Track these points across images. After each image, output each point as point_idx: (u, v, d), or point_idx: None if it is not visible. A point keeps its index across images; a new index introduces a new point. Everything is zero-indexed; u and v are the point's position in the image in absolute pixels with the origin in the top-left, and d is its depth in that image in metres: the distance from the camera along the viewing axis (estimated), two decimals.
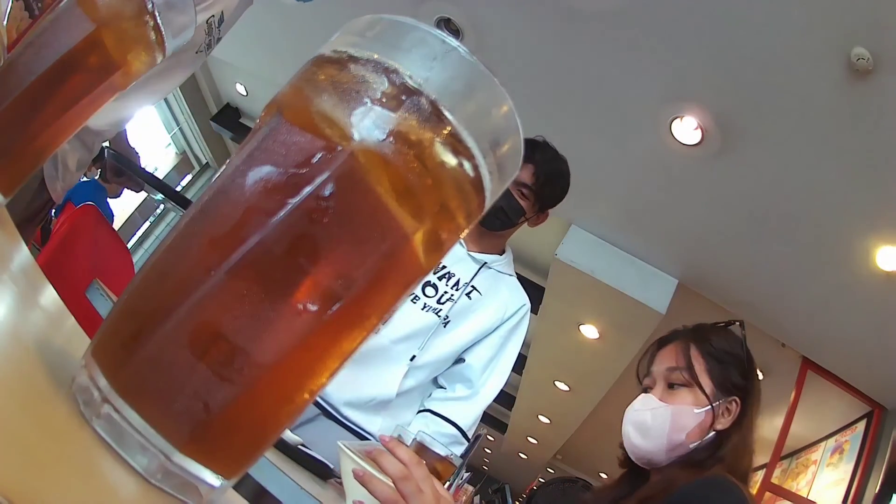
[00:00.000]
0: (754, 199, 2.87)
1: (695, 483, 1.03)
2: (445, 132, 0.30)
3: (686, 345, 1.19)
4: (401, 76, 0.30)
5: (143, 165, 4.00)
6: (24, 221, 1.28)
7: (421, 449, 1.59)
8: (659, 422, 1.13)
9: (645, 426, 1.15)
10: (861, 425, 3.57)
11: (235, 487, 0.32)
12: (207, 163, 6.02)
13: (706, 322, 1.26)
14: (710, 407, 1.12)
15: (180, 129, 5.61)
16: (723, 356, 1.17)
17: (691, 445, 1.12)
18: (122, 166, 3.65)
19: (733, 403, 1.14)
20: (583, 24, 2.60)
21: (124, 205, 5.06)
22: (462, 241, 1.50)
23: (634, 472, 1.21)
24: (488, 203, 0.33)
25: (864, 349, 3.24)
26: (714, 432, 1.12)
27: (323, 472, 1.13)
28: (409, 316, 1.61)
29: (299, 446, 1.12)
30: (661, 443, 1.12)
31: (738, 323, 1.25)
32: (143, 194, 5.32)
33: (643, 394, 1.20)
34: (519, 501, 5.18)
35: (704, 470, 1.08)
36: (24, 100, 0.45)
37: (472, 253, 1.73)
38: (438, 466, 1.57)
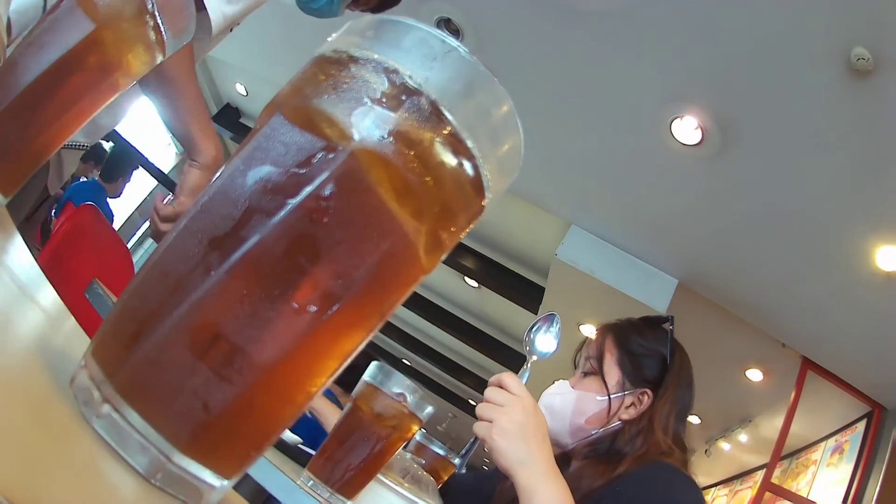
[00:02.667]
0: (754, 199, 2.87)
1: (638, 470, 1.05)
2: (445, 132, 0.30)
3: (604, 336, 1.25)
4: (401, 76, 0.30)
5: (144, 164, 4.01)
6: (25, 220, 1.29)
7: (420, 448, 1.59)
8: (563, 406, 1.19)
9: (553, 408, 1.21)
10: (861, 425, 3.57)
11: (235, 487, 0.32)
12: None
13: (637, 318, 1.32)
14: (607, 397, 1.17)
15: None
16: (638, 349, 1.21)
17: (592, 431, 1.17)
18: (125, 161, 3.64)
19: (644, 396, 1.18)
20: (583, 24, 2.60)
21: (124, 205, 5.06)
22: None
23: (561, 460, 1.24)
24: (489, 203, 0.33)
25: (864, 349, 3.24)
26: (619, 422, 1.16)
27: None
28: None
29: (299, 446, 1.12)
30: (564, 425, 1.18)
31: (667, 317, 1.30)
32: (144, 193, 5.32)
33: (560, 380, 1.27)
34: None
35: (614, 465, 1.09)
36: (24, 100, 0.45)
37: None
38: (438, 466, 1.58)
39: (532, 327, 1.19)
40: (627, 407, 1.17)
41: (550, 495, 0.90)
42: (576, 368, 1.29)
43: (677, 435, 1.16)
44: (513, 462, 0.92)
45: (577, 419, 1.17)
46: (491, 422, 0.95)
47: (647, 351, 1.22)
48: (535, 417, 0.95)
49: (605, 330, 1.28)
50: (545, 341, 1.18)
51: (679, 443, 1.14)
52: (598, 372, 1.20)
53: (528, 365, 1.13)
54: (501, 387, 0.99)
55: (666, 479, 1.02)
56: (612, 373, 1.20)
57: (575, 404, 1.18)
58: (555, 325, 1.19)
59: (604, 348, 1.23)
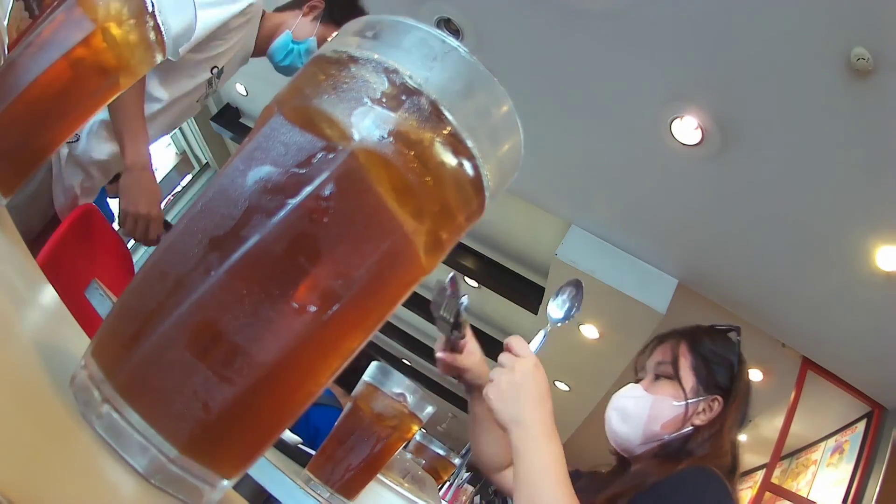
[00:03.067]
0: (754, 199, 2.87)
1: (676, 473, 1.06)
2: (445, 132, 0.30)
3: (678, 341, 1.24)
4: (401, 76, 0.30)
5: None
6: (35, 239, 1.34)
7: (420, 448, 1.59)
8: (639, 410, 1.17)
9: (626, 412, 1.20)
10: (861, 425, 3.57)
11: (235, 487, 0.32)
12: (207, 163, 6.01)
13: (706, 324, 1.30)
14: (685, 402, 1.16)
15: (180, 129, 5.61)
16: (711, 356, 1.21)
17: (665, 436, 1.16)
18: None
19: (715, 402, 1.18)
20: (583, 24, 2.60)
21: None
22: None
23: (621, 464, 1.26)
24: (489, 202, 0.33)
25: (864, 349, 3.24)
26: (692, 427, 1.16)
27: None
28: None
29: (299, 446, 1.12)
30: (638, 430, 1.17)
31: (735, 329, 1.30)
32: None
33: (631, 383, 1.25)
34: None
35: (678, 463, 1.11)
36: (24, 100, 0.45)
37: None
38: (437, 465, 1.58)
39: (557, 292, 1.20)
40: (699, 413, 1.17)
41: (540, 457, 0.91)
42: (637, 372, 1.29)
43: (736, 438, 1.18)
44: (506, 420, 0.94)
45: (652, 425, 1.16)
46: (498, 371, 0.98)
47: (718, 358, 1.21)
48: (532, 378, 0.96)
49: (677, 335, 1.27)
50: (559, 307, 1.19)
51: (735, 450, 1.17)
52: (675, 376, 1.19)
53: (546, 330, 1.15)
54: (509, 350, 1.01)
55: (701, 484, 1.03)
56: (688, 377, 1.19)
57: (651, 409, 1.17)
58: (578, 292, 1.18)
59: (678, 353, 1.22)
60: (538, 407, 0.95)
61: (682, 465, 1.09)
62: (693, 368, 1.20)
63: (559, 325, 1.19)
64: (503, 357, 1.00)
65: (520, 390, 0.95)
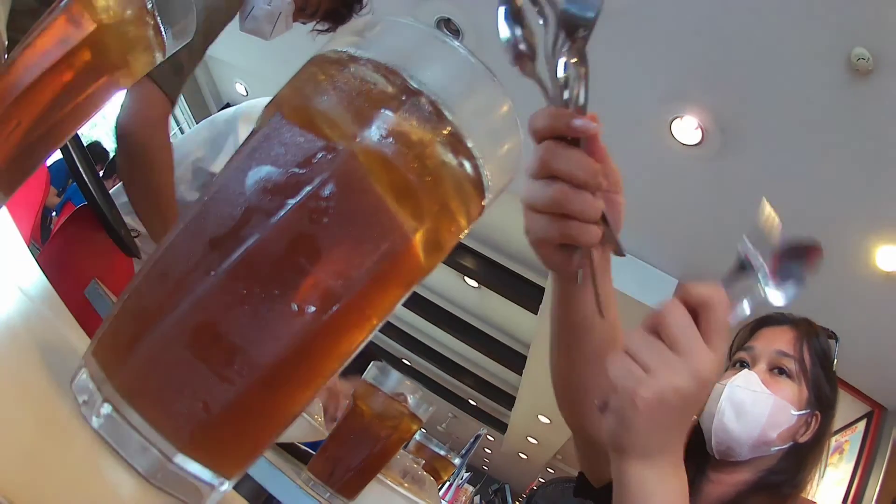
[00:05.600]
0: (755, 199, 2.85)
1: None
2: (445, 132, 0.30)
3: (801, 335, 1.03)
4: (401, 76, 0.30)
5: None
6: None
7: (420, 448, 1.60)
8: (758, 409, 0.97)
9: (743, 408, 0.98)
10: (861, 425, 3.57)
11: (235, 487, 0.32)
12: None
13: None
14: (807, 412, 0.99)
15: (180, 129, 5.61)
16: (824, 362, 1.03)
17: (773, 449, 0.98)
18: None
19: (814, 418, 1.00)
20: None
21: None
22: None
23: (697, 466, 1.01)
24: (489, 202, 0.33)
25: (864, 349, 3.24)
26: (793, 443, 0.99)
27: None
28: None
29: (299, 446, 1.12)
30: (754, 433, 0.96)
31: (834, 337, 1.10)
32: None
33: (745, 370, 1.03)
34: (519, 501, 5.18)
35: (781, 498, 0.95)
36: (24, 100, 0.45)
37: None
38: (437, 465, 1.58)
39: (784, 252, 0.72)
40: (801, 427, 0.99)
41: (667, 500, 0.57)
42: (739, 353, 1.07)
43: None
44: (636, 448, 0.55)
45: (769, 431, 0.96)
46: (640, 375, 0.53)
47: (828, 364, 1.04)
48: (703, 393, 0.55)
49: (802, 329, 1.05)
50: (782, 286, 0.67)
51: None
52: (800, 379, 1.00)
53: (749, 304, 0.62)
54: (667, 326, 0.54)
55: None
56: (809, 385, 1.01)
57: (771, 412, 0.97)
58: (807, 266, 0.70)
59: (804, 349, 1.02)
60: (683, 436, 0.58)
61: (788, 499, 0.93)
62: (812, 374, 1.01)
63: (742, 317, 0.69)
64: (675, 332, 0.53)
65: (683, 412, 0.55)
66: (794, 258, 0.71)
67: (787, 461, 0.98)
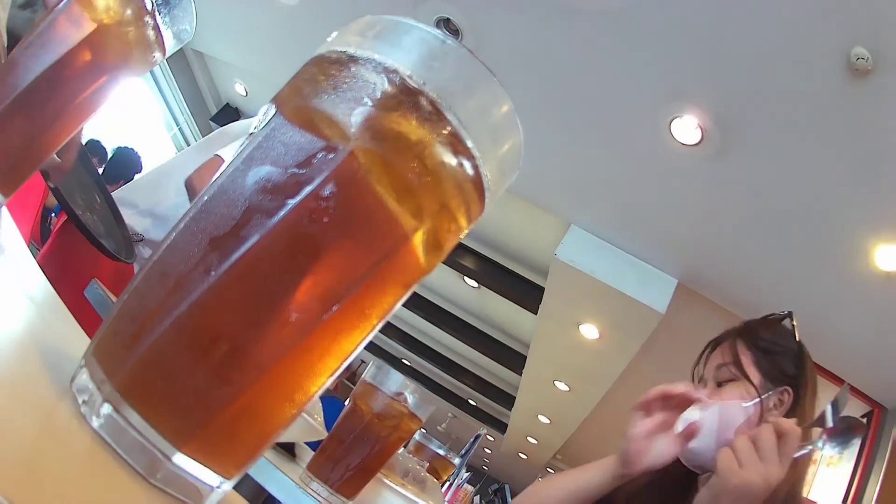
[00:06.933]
0: (754, 198, 2.87)
1: None
2: (445, 132, 0.30)
3: (733, 341, 1.16)
4: (401, 76, 0.30)
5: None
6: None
7: (420, 448, 1.59)
8: (708, 422, 1.06)
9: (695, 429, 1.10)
10: None
11: (235, 487, 0.32)
12: None
13: (757, 317, 1.22)
14: (758, 399, 1.07)
15: (180, 130, 5.61)
16: (771, 347, 1.14)
17: None
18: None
19: (785, 394, 1.10)
20: (583, 23, 2.60)
21: None
22: None
23: (676, 476, 1.14)
24: (489, 202, 0.33)
25: (864, 349, 3.24)
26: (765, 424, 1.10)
27: None
28: None
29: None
30: (711, 442, 1.05)
31: (787, 315, 1.21)
32: None
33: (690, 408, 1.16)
34: None
35: None
36: (24, 100, 0.45)
37: None
38: (436, 464, 1.58)
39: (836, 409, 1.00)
40: (772, 409, 1.09)
41: None
42: (696, 382, 1.19)
43: None
44: None
45: (725, 433, 1.05)
46: (741, 466, 0.84)
47: (779, 347, 1.14)
48: (764, 492, 0.84)
49: (732, 333, 1.18)
50: (831, 445, 0.96)
51: None
52: (741, 377, 1.10)
53: (809, 449, 0.92)
54: (780, 435, 0.86)
55: None
56: (754, 374, 1.11)
57: (720, 416, 1.06)
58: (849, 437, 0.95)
59: (737, 351, 1.14)
60: None
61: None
62: (756, 364, 1.12)
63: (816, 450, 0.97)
64: (769, 446, 0.86)
65: (752, 501, 0.84)
66: (846, 428, 0.98)
67: None
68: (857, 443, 0.98)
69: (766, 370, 1.11)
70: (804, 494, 1.09)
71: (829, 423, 0.95)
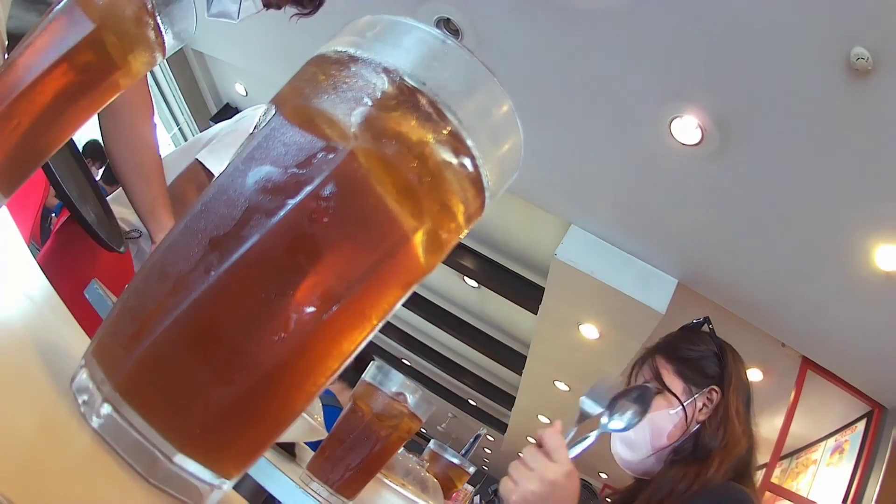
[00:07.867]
0: (754, 198, 2.87)
1: (703, 495, 1.06)
2: (445, 132, 0.30)
3: (652, 358, 1.26)
4: (401, 76, 0.30)
5: None
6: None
7: (434, 457, 1.58)
8: (640, 434, 1.17)
9: (630, 441, 1.21)
10: (861, 425, 3.57)
11: (235, 487, 0.32)
12: None
13: (676, 329, 1.34)
14: (681, 406, 1.18)
15: (180, 129, 5.61)
16: (691, 354, 1.24)
17: (675, 445, 1.17)
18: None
19: (713, 393, 1.20)
20: (583, 23, 2.60)
21: None
22: None
23: (641, 481, 1.25)
24: (489, 202, 0.33)
25: (864, 349, 3.24)
26: (698, 424, 1.18)
27: None
28: None
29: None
30: (647, 449, 1.17)
31: (702, 320, 1.33)
32: None
33: None
34: None
35: (698, 463, 1.11)
36: (24, 100, 0.45)
37: None
38: (451, 473, 1.57)
39: (619, 396, 1.07)
40: (701, 409, 1.19)
41: None
42: None
43: (747, 421, 1.19)
44: None
45: (658, 440, 1.17)
46: (516, 483, 0.91)
47: (699, 353, 1.24)
48: (561, 491, 0.89)
49: (651, 351, 1.28)
50: (621, 418, 1.06)
51: (748, 430, 1.17)
52: (662, 389, 1.20)
53: (596, 434, 1.02)
54: (541, 446, 0.93)
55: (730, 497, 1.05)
56: (675, 384, 1.21)
57: (651, 427, 1.17)
58: (645, 399, 1.05)
59: (658, 366, 1.24)
60: None
61: (712, 466, 1.09)
62: (677, 373, 1.22)
63: (604, 432, 1.07)
64: (532, 456, 0.92)
65: (548, 502, 0.89)
66: (631, 396, 1.07)
67: (694, 436, 1.17)
68: (650, 398, 1.08)
69: (688, 377, 1.21)
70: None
71: (600, 407, 1.03)
